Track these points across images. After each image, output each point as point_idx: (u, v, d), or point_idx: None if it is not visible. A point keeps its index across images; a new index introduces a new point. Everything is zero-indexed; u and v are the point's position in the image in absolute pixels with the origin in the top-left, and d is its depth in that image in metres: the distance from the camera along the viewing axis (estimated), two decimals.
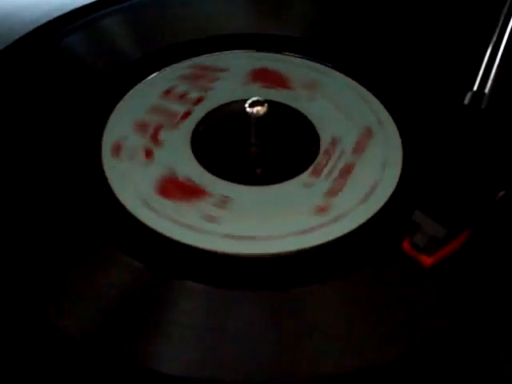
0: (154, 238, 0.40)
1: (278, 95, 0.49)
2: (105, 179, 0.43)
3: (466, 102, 0.43)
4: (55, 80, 0.49)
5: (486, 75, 0.44)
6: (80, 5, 0.54)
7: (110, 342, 0.35)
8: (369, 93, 0.49)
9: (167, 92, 0.49)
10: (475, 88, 0.44)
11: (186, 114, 0.48)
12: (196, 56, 0.52)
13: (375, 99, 0.49)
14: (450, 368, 0.35)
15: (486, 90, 0.43)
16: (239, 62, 0.52)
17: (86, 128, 0.46)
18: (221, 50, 0.52)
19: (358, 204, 0.42)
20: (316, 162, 0.45)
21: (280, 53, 0.52)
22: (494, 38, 0.45)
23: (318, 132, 0.47)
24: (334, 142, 0.46)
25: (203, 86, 0.50)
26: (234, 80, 0.50)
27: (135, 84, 0.49)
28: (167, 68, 0.51)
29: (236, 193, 0.43)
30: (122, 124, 0.47)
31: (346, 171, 0.44)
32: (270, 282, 0.39)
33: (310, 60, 0.52)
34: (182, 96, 0.49)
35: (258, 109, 0.44)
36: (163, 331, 0.36)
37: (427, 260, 0.38)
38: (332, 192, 0.43)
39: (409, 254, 0.38)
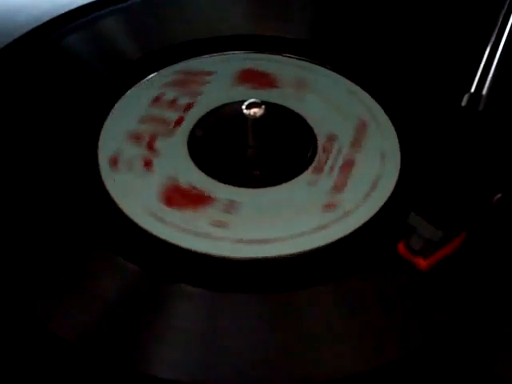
0: (158, 246, 0.40)
1: (268, 95, 0.49)
2: (105, 191, 0.42)
3: (463, 103, 0.43)
4: (53, 80, 0.49)
5: (483, 77, 0.44)
6: (78, 5, 0.54)
7: (105, 346, 0.35)
8: (357, 87, 0.50)
9: (155, 100, 0.48)
10: (472, 90, 0.44)
11: (179, 121, 0.47)
12: (182, 60, 0.51)
13: (366, 94, 0.49)
14: (448, 370, 0.35)
15: (484, 92, 0.43)
16: (225, 64, 0.51)
17: (80, 138, 0.45)
18: (206, 53, 0.52)
19: (363, 198, 0.42)
20: (316, 159, 0.45)
21: (265, 53, 0.52)
22: (492, 40, 0.45)
23: (314, 130, 0.47)
24: (331, 138, 0.46)
25: (192, 92, 0.49)
26: (223, 82, 0.50)
27: (131, 86, 0.49)
28: (151, 76, 0.50)
29: (242, 196, 0.42)
30: (116, 137, 0.46)
31: (348, 166, 0.44)
32: (267, 285, 0.38)
33: (296, 58, 0.52)
34: (172, 103, 0.48)
35: (255, 110, 0.44)
36: (158, 335, 0.36)
37: (423, 263, 0.38)
38: (337, 188, 0.43)
39: (404, 256, 0.38)
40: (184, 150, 0.45)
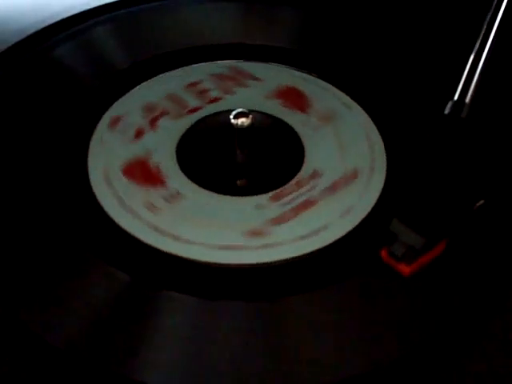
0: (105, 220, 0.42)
1: (290, 116, 0.49)
2: (87, 145, 0.46)
3: (447, 111, 0.43)
4: (45, 89, 0.50)
5: (466, 85, 0.44)
6: (69, 14, 0.55)
7: (94, 353, 0.35)
8: (379, 136, 0.47)
9: (191, 85, 0.51)
10: (456, 97, 0.44)
11: (195, 109, 0.49)
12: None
13: (381, 142, 0.47)
14: (433, 376, 0.35)
15: (467, 100, 0.43)
16: (276, 74, 0.52)
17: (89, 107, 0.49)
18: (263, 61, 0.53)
19: (294, 239, 0.41)
20: (281, 189, 0.44)
21: (317, 77, 0.52)
22: (476, 48, 0.45)
23: (304, 160, 0.46)
24: (314, 175, 0.45)
25: (226, 88, 0.51)
26: (259, 91, 0.50)
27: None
28: (206, 63, 0.53)
29: (189, 192, 0.44)
30: (134, 103, 0.49)
31: (305, 206, 0.43)
32: (253, 292, 0.39)
33: (340, 90, 0.50)
34: (202, 92, 0.50)
35: (242, 120, 0.45)
36: (146, 341, 0.36)
37: (405, 269, 0.38)
38: (277, 220, 0.42)
39: (387, 263, 0.38)
40: (176, 136, 0.47)
